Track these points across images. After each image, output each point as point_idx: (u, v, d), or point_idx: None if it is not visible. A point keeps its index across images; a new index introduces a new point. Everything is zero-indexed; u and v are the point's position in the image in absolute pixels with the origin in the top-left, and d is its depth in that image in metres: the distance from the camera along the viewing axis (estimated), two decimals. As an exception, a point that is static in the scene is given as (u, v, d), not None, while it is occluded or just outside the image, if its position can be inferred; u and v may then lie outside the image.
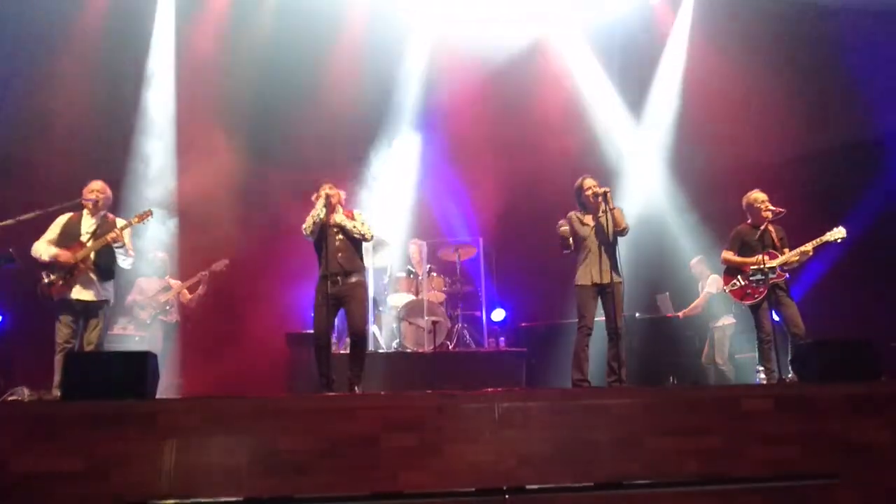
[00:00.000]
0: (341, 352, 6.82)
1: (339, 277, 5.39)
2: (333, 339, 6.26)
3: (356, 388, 5.29)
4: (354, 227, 5.53)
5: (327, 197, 5.54)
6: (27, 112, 8.07)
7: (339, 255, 5.45)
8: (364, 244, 5.71)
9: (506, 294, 9.50)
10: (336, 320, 5.86)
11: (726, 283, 6.30)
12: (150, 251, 7.70)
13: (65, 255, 5.42)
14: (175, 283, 7.68)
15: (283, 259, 8.60)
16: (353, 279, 5.45)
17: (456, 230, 9.94)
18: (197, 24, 9.04)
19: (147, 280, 7.55)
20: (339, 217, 5.58)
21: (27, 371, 6.97)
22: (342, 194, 5.77)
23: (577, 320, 5.58)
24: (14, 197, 6.81)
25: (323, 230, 5.50)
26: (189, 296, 7.62)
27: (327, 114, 8.79)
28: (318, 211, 5.50)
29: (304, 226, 5.57)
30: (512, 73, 9.83)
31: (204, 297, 7.73)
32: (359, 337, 5.46)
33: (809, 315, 5.85)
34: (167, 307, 7.42)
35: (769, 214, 6.02)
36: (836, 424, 3.65)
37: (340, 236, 5.52)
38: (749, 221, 6.20)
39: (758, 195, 6.16)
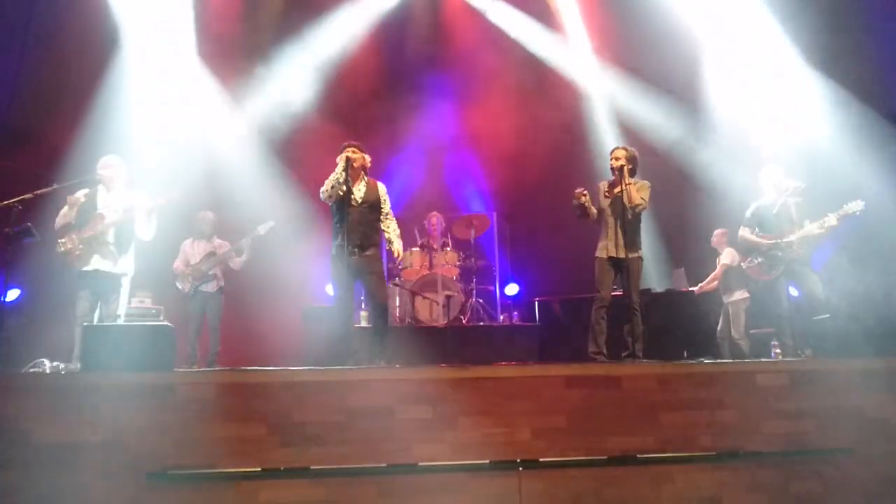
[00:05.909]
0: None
1: (356, 249, 5.18)
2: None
3: (380, 363, 5.06)
4: (383, 208, 5.41)
5: (347, 160, 5.21)
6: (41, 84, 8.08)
7: (360, 227, 5.21)
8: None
9: (519, 269, 9.48)
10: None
11: (743, 260, 6.25)
12: (195, 210, 7.13)
13: (67, 242, 5.46)
14: (222, 243, 7.14)
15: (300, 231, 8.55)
16: (370, 252, 5.27)
17: (469, 203, 9.89)
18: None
19: (191, 243, 7.07)
20: (359, 191, 5.30)
21: (48, 344, 7.08)
22: (367, 159, 5.41)
23: (591, 295, 5.58)
24: (28, 170, 6.86)
25: (344, 198, 5.21)
26: (237, 259, 7.04)
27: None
28: (338, 175, 5.19)
29: (321, 189, 5.28)
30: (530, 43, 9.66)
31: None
32: (381, 309, 5.28)
33: (828, 290, 5.78)
34: (209, 274, 6.94)
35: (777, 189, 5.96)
36: (851, 399, 3.64)
37: (361, 208, 5.27)
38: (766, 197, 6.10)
39: (767, 170, 6.05)
